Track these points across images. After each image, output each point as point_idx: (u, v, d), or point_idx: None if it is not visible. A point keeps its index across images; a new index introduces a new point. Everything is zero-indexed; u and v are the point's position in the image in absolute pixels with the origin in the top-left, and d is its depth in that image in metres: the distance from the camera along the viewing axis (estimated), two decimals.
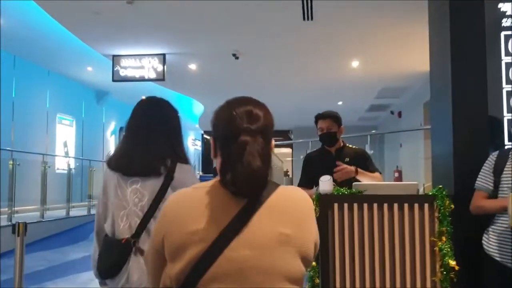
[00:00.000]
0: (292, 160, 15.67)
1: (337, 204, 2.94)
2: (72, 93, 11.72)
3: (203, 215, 1.18)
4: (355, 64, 8.66)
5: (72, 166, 11.18)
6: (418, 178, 9.67)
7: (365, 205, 2.91)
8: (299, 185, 3.81)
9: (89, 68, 10.11)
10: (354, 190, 2.98)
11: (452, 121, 3.03)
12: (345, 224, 2.92)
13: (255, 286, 1.13)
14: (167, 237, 1.21)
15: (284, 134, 16.87)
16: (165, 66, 7.63)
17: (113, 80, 7.88)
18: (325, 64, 8.70)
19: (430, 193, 2.93)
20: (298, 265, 1.20)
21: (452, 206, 2.83)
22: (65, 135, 11.81)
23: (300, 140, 8.47)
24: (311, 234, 1.25)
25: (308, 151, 4.33)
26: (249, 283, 1.14)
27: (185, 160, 2.06)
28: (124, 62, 7.68)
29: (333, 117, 3.67)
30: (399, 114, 12.64)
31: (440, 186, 2.90)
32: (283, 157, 12.79)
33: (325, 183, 2.96)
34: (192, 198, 1.25)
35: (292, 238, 1.19)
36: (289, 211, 1.24)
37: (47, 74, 10.65)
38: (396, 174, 11.21)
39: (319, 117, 3.71)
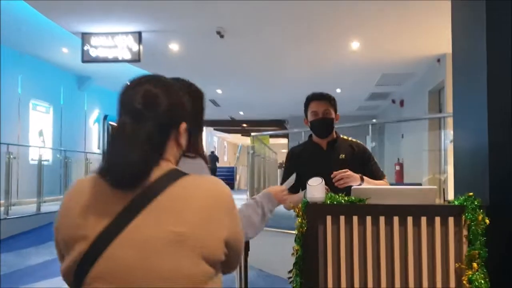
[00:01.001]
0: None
1: (330, 216, 2.18)
2: (49, 77, 10.85)
3: (88, 208, 1.13)
4: (355, 46, 7.87)
5: (49, 157, 10.41)
6: (421, 171, 8.95)
7: (368, 219, 2.16)
8: None
9: (64, 50, 9.27)
10: (353, 197, 2.21)
11: (488, 107, 2.24)
12: (341, 244, 2.16)
13: (142, 287, 1.07)
14: (59, 230, 1.17)
15: (280, 124, 16.15)
16: (141, 46, 6.84)
17: (83, 61, 7.10)
18: (321, 45, 7.92)
19: (456, 203, 2.16)
20: (197, 266, 1.12)
21: (487, 221, 2.07)
22: (40, 123, 10.97)
23: (296, 130, 7.73)
24: (218, 232, 1.17)
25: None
26: (136, 284, 1.07)
27: (195, 152, 1.73)
28: (94, 40, 6.88)
29: (330, 99, 2.95)
30: (401, 103, 11.92)
31: (470, 193, 2.12)
32: (278, 148, 12.02)
33: (315, 188, 2.19)
34: (81, 188, 1.19)
35: (189, 237, 1.11)
36: (187, 206, 1.15)
37: (18, 56, 9.79)
38: (397, 167, 10.54)
39: (312, 98, 2.97)
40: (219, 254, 1.18)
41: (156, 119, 1.20)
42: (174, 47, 7.67)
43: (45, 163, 10.04)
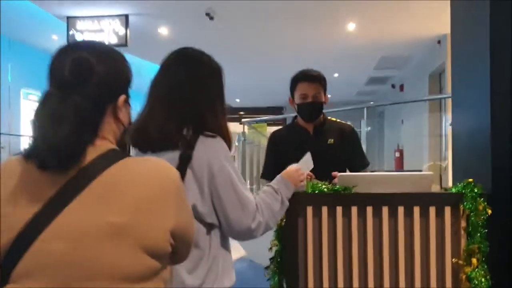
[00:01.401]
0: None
1: (311, 207, 1.93)
2: (41, 65, 10.44)
3: (16, 194, 0.98)
4: (351, 27, 7.55)
5: None
6: (421, 158, 8.69)
7: (354, 209, 1.91)
8: (263, 177, 2.79)
9: (54, 37, 8.97)
10: (337, 186, 1.96)
11: (491, 87, 1.98)
12: (323, 238, 1.92)
13: (76, 286, 0.93)
14: None
15: (278, 112, 15.87)
16: (128, 30, 6.55)
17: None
18: (316, 26, 7.61)
19: (454, 190, 1.90)
20: (139, 261, 0.97)
21: (489, 211, 1.82)
22: (33, 112, 10.64)
23: (293, 115, 7.53)
24: (163, 221, 1.02)
25: None
26: (68, 281, 0.93)
27: (216, 131, 1.57)
28: (80, 24, 6.59)
29: (321, 80, 2.60)
30: (401, 88, 11.60)
31: (470, 180, 1.87)
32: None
33: None
34: (10, 170, 1.02)
35: (128, 228, 0.97)
36: (127, 192, 0.99)
37: (8, 43, 9.49)
38: (397, 154, 10.27)
39: (301, 78, 2.58)
40: (165, 247, 1.03)
41: (89, 90, 1.03)
42: (163, 31, 7.37)
43: None
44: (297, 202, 1.87)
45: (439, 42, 8.21)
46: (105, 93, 1.07)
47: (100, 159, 1.02)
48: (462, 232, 1.85)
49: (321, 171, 2.14)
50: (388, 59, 9.73)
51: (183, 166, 1.53)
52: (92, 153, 1.01)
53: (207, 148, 1.54)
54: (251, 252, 5.46)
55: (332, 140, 2.61)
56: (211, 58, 1.70)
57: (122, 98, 1.10)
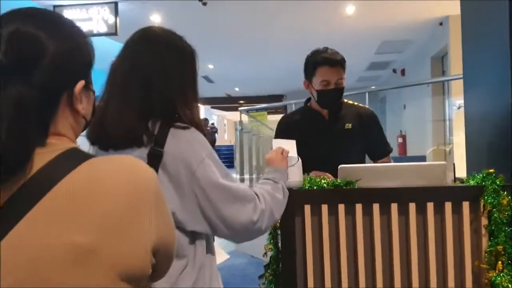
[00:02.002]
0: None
1: (309, 206, 1.69)
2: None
3: None
4: (350, 10, 7.26)
5: None
6: (425, 143, 8.44)
7: (359, 207, 1.67)
8: None
9: None
10: (339, 180, 1.72)
11: (510, 61, 1.72)
12: (324, 241, 1.68)
13: None
14: None
15: (278, 100, 15.59)
16: (117, 18, 6.25)
17: None
18: (314, 10, 7.31)
19: (472, 182, 1.66)
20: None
21: None
22: None
23: (293, 102, 7.15)
24: (142, 237, 0.78)
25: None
26: None
27: (189, 122, 1.33)
28: (67, 13, 6.27)
29: (343, 64, 2.27)
30: (402, 72, 11.31)
31: (491, 170, 1.62)
32: (273, 125, 11.47)
33: (289, 170, 1.68)
34: None
35: (97, 249, 0.73)
36: (93, 203, 0.74)
37: None
38: (400, 140, 10.01)
39: (322, 62, 2.23)
40: (144, 269, 0.80)
41: (36, 77, 0.79)
42: (155, 18, 7.07)
43: None
44: (293, 200, 1.63)
45: (441, 24, 7.92)
46: (57, 78, 0.83)
47: (55, 163, 0.78)
48: (484, 230, 1.61)
49: (338, 160, 1.86)
50: (389, 43, 9.44)
51: (153, 166, 1.28)
52: (44, 156, 0.78)
53: (180, 142, 1.30)
54: (250, 248, 5.25)
55: (350, 125, 2.32)
56: (182, 38, 1.45)
57: (80, 84, 0.86)
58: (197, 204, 1.29)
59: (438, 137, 8.18)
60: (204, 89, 11.99)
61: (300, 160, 1.71)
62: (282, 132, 2.45)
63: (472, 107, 2.11)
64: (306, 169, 1.82)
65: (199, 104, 1.48)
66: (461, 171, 2.00)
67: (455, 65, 7.09)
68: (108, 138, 1.34)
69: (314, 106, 2.39)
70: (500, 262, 1.56)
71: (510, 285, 1.54)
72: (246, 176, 6.38)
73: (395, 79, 12.09)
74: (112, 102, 1.35)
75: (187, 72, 1.43)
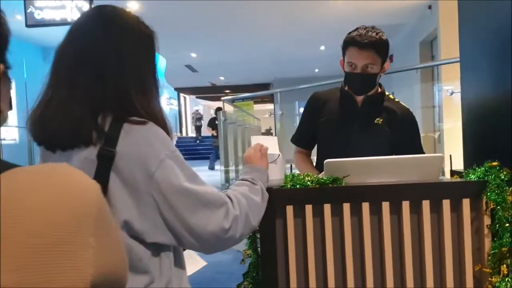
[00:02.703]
0: (274, 115, 14.18)
1: (292, 206, 1.51)
2: (9, 49, 9.92)
3: None
4: None
5: (15, 136, 9.66)
6: None
7: (346, 206, 1.49)
8: (292, 141, 2.36)
9: (19, 17, 8.37)
10: (324, 177, 1.53)
11: None
12: (308, 245, 1.50)
13: None
14: None
15: (264, 88, 15.39)
16: (92, 5, 5.99)
17: (27, 25, 6.22)
18: None
19: (473, 177, 1.48)
20: None
21: None
22: None
23: (278, 90, 6.92)
24: (75, 273, 0.58)
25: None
26: None
27: (147, 116, 1.15)
28: (39, 1, 6.02)
29: (378, 47, 2.00)
30: (391, 58, 11.16)
31: (494, 163, 1.45)
32: (261, 114, 11.21)
33: (270, 167, 1.49)
34: None
35: None
36: (12, 232, 0.55)
37: None
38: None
39: (351, 42, 2.00)
40: None
41: None
42: (133, 5, 6.81)
43: (11, 142, 9.21)
44: (274, 201, 1.44)
45: (429, 7, 7.75)
46: None
47: None
48: (486, 231, 1.44)
49: (361, 153, 1.66)
50: None
51: (103, 169, 1.09)
52: None
53: (136, 140, 1.10)
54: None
55: (381, 120, 2.08)
56: (139, 20, 1.25)
57: None
58: (158, 212, 1.10)
59: (427, 124, 8.05)
60: (188, 79, 11.78)
61: (281, 156, 1.52)
62: (310, 107, 2.26)
63: (469, 93, 1.93)
64: (326, 156, 1.64)
65: (160, 95, 1.29)
66: (455, 162, 1.82)
67: (445, 49, 6.94)
68: (53, 137, 1.15)
69: (348, 89, 2.14)
70: (504, 265, 1.40)
71: None
72: (232, 168, 6.19)
73: None
74: (57, 94, 1.15)
75: (145, 58, 1.23)
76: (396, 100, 2.18)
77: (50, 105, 1.14)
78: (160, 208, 1.09)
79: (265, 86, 15.59)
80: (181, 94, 23.31)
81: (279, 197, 1.48)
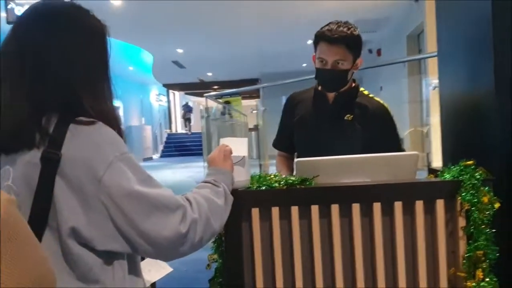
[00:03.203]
0: (260, 111, 14.10)
1: (257, 209, 1.42)
2: None
3: None
4: None
5: None
6: (402, 125, 8.27)
7: (315, 209, 1.41)
8: (274, 146, 2.31)
9: (3, 14, 8.21)
10: (293, 177, 1.45)
11: (493, 36, 1.46)
12: (275, 250, 1.42)
13: None
14: None
15: (252, 84, 15.29)
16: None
17: (8, 22, 6.09)
18: None
19: (447, 176, 1.41)
20: None
21: (497, 204, 1.34)
22: None
23: (261, 85, 6.80)
24: None
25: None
26: None
27: (96, 117, 1.07)
28: None
29: (350, 42, 1.92)
30: (378, 52, 11.11)
31: (469, 162, 1.38)
32: (246, 110, 11.08)
33: (234, 168, 1.41)
34: None
35: None
36: None
37: None
38: None
39: (321, 37, 1.93)
40: None
41: None
42: (115, 1, 6.68)
43: None
44: (239, 203, 1.36)
45: (416, 0, 7.69)
46: None
47: None
48: (461, 233, 1.36)
49: (336, 152, 1.59)
50: (363, 22, 9.18)
51: (48, 173, 1.02)
52: None
53: (82, 142, 1.03)
54: None
55: (351, 116, 2.00)
56: (89, 13, 1.16)
57: None
58: (108, 218, 1.02)
59: (415, 119, 8.02)
60: (176, 75, 11.66)
61: (246, 157, 1.44)
62: (287, 108, 2.22)
63: (448, 87, 1.86)
64: (303, 157, 1.57)
65: (113, 95, 1.20)
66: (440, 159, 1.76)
67: (432, 43, 6.88)
68: None
69: (320, 86, 2.08)
70: (480, 269, 1.33)
71: None
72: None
73: (372, 60, 11.89)
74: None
75: (95, 55, 1.15)
76: (370, 95, 2.10)
77: None
78: (111, 213, 1.02)
79: (253, 81, 15.50)
80: (170, 91, 23.16)
81: (244, 199, 1.40)
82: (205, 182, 1.27)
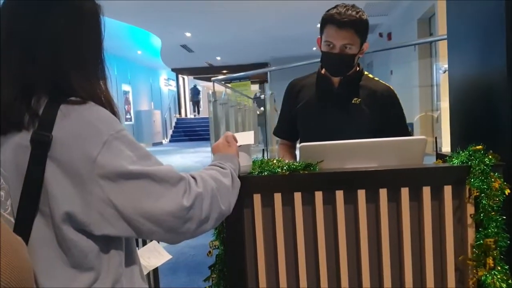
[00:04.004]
0: (267, 95, 14.01)
1: (259, 195, 1.39)
2: None
3: None
4: None
5: None
6: (413, 110, 8.17)
7: (319, 195, 1.37)
8: (274, 134, 2.28)
9: None
10: (297, 162, 1.41)
11: (505, 16, 1.40)
12: (278, 236, 1.39)
13: None
14: None
15: (261, 68, 15.18)
16: None
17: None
18: None
19: (456, 161, 1.36)
20: None
21: (507, 190, 1.29)
22: None
23: (269, 69, 6.68)
24: None
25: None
26: None
27: (87, 97, 1.03)
28: None
29: (357, 26, 1.86)
30: (389, 36, 10.94)
31: (479, 146, 1.33)
32: (253, 94, 11.01)
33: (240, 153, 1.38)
34: None
35: None
36: None
37: None
38: None
39: (329, 21, 1.87)
40: None
41: None
42: None
43: None
44: (241, 189, 1.32)
45: None
46: None
47: None
48: (470, 220, 1.32)
49: (343, 137, 1.54)
50: (374, 5, 9.05)
51: (38, 155, 0.98)
52: None
53: (74, 122, 0.99)
54: None
55: (358, 100, 1.96)
56: None
57: None
58: (106, 200, 0.98)
59: (425, 103, 7.90)
60: (184, 59, 11.60)
61: (249, 141, 1.40)
62: (288, 95, 2.16)
63: (457, 70, 1.79)
64: (307, 142, 1.52)
65: (107, 76, 1.16)
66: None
67: (443, 26, 6.74)
68: None
69: (325, 71, 2.03)
70: (490, 257, 1.28)
71: (504, 285, 1.26)
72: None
73: (382, 43, 11.72)
74: None
75: (86, 34, 1.10)
76: (376, 78, 2.05)
77: None
78: (109, 195, 0.98)
79: (263, 65, 15.38)
80: (180, 75, 23.09)
81: (246, 185, 1.36)
82: (210, 166, 1.24)
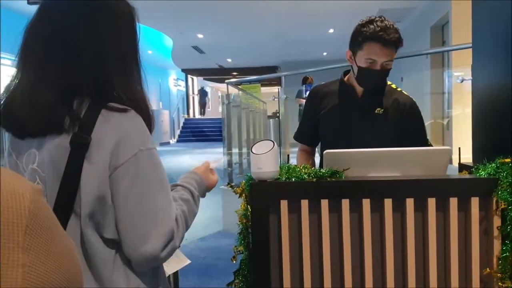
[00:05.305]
0: (278, 99, 13.99)
1: (286, 201, 1.40)
2: (15, 27, 9.82)
3: None
4: None
5: None
6: (423, 117, 8.12)
7: (345, 203, 1.38)
8: (295, 139, 2.30)
9: None
10: (323, 169, 1.43)
11: None
12: (303, 243, 1.40)
13: None
14: None
15: (272, 71, 15.20)
16: None
17: (29, 3, 6.13)
18: None
19: (483, 173, 1.37)
20: None
21: None
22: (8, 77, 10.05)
23: (283, 73, 6.71)
24: None
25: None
26: None
27: (128, 102, 1.05)
28: None
29: (399, 44, 1.95)
30: (401, 43, 10.91)
31: (507, 159, 1.33)
32: (266, 97, 11.03)
33: (262, 158, 1.39)
34: None
35: None
36: None
37: None
38: None
39: (374, 38, 1.88)
40: None
41: None
42: None
43: None
44: (267, 195, 1.35)
45: None
46: None
47: None
48: (496, 232, 1.32)
49: (365, 145, 1.59)
50: (387, 12, 9.03)
51: (76, 156, 1.01)
52: None
53: (113, 128, 1.02)
54: (227, 224, 5.03)
55: (382, 110, 2.00)
56: None
57: None
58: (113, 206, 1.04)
59: (436, 111, 7.89)
60: (195, 60, 11.62)
61: (275, 146, 1.41)
62: (311, 101, 2.19)
63: (481, 82, 1.80)
64: (328, 149, 1.54)
65: (143, 79, 1.18)
66: (462, 152, 1.71)
67: (457, 34, 6.73)
68: (21, 123, 1.06)
69: (351, 81, 2.07)
70: None
71: None
72: (235, 151, 6.11)
73: None
74: (25, 79, 1.06)
75: (126, 38, 1.13)
76: (399, 89, 2.08)
77: (17, 90, 1.05)
78: (114, 200, 1.03)
79: (273, 69, 15.40)
80: (189, 76, 23.15)
81: (272, 191, 1.38)
82: (177, 184, 1.26)
